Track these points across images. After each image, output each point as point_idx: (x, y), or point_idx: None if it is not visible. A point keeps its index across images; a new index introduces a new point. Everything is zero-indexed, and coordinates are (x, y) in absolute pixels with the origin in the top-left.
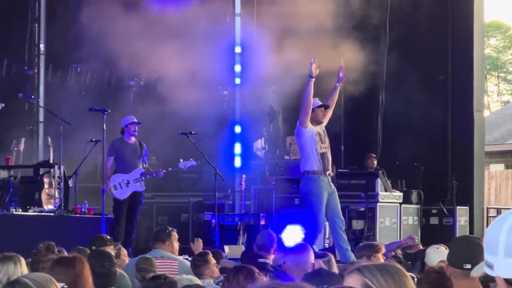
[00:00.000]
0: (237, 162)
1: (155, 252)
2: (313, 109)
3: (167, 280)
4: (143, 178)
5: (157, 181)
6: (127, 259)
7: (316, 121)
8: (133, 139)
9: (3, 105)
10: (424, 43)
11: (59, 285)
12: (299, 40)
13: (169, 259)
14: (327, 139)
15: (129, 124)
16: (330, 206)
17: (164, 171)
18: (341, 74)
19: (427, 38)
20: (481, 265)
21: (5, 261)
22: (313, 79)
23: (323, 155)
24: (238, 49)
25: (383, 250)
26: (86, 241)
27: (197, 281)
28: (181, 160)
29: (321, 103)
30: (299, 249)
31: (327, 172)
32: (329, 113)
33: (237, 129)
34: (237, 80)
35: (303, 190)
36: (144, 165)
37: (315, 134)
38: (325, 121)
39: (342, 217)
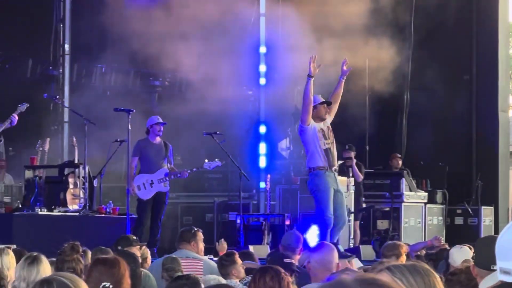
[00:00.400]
0: (262, 162)
1: (180, 252)
2: (315, 106)
3: (189, 280)
4: (167, 178)
5: (182, 182)
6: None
7: (319, 118)
8: (158, 139)
9: (27, 105)
10: (448, 42)
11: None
12: (324, 40)
13: (194, 259)
14: (331, 135)
15: (154, 124)
16: (334, 203)
17: (188, 171)
18: (345, 68)
19: (452, 38)
20: (494, 275)
21: (29, 260)
22: (312, 78)
23: (327, 151)
24: (263, 49)
25: (406, 250)
26: (111, 241)
27: (223, 281)
28: (206, 160)
29: (323, 100)
30: (324, 248)
31: (333, 168)
32: (335, 108)
33: (262, 129)
34: (262, 81)
35: (310, 187)
36: (169, 165)
37: (318, 131)
38: (330, 117)
39: (344, 216)
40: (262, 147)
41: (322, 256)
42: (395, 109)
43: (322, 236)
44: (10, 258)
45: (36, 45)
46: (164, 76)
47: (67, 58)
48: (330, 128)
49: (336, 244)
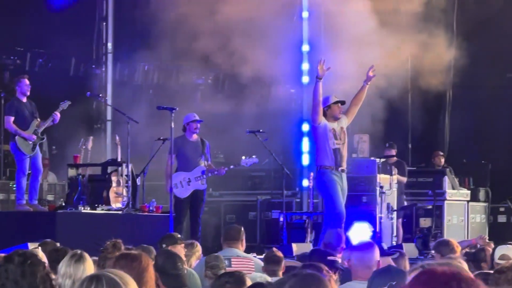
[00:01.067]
0: (305, 160)
1: (230, 251)
2: (329, 106)
3: (232, 278)
4: (204, 176)
5: (225, 180)
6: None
7: (332, 117)
8: (194, 136)
9: (69, 102)
10: (493, 39)
11: None
12: (366, 37)
13: (245, 258)
14: (343, 136)
15: (190, 122)
16: None
17: (226, 168)
18: (370, 74)
19: (496, 35)
20: None
21: (76, 258)
22: (321, 80)
23: (336, 151)
24: (305, 48)
25: (459, 248)
26: (154, 239)
27: (269, 279)
28: (243, 157)
29: (338, 99)
30: (364, 246)
31: (340, 168)
32: (354, 110)
33: (305, 127)
34: (305, 79)
35: (317, 185)
36: (206, 162)
37: (329, 130)
38: (348, 119)
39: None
40: (305, 145)
41: (363, 254)
42: (438, 106)
43: (338, 233)
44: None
45: (79, 43)
46: (207, 74)
47: (109, 56)
48: (344, 129)
49: (379, 242)
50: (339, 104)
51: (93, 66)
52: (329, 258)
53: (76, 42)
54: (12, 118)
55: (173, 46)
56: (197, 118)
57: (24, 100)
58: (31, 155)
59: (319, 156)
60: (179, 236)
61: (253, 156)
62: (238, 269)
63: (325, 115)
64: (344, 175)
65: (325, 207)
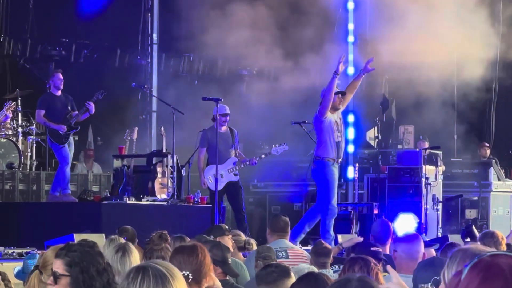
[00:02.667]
0: (350, 148)
1: (282, 243)
2: None
3: (278, 268)
4: (236, 167)
5: (271, 171)
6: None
7: (333, 108)
8: (224, 128)
9: (105, 93)
10: None
11: (185, 273)
12: (410, 29)
13: (299, 249)
14: (342, 127)
15: (221, 114)
16: None
17: (257, 158)
18: (368, 66)
19: None
20: None
21: (118, 253)
22: (338, 76)
23: (338, 144)
24: (351, 38)
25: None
26: (199, 230)
27: (316, 270)
28: (274, 145)
29: (338, 90)
30: (410, 238)
31: (339, 160)
32: (348, 98)
33: (350, 118)
34: (350, 70)
35: (317, 174)
36: (236, 152)
37: (333, 123)
38: (342, 107)
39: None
40: (350, 133)
41: (409, 246)
42: (483, 98)
43: (326, 225)
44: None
45: (124, 34)
46: (252, 65)
47: (155, 47)
48: (342, 119)
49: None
50: (340, 95)
51: (138, 57)
52: (373, 249)
53: (122, 33)
54: (43, 112)
55: (218, 36)
56: (228, 112)
57: (58, 94)
58: (65, 145)
59: (324, 148)
60: (226, 227)
61: (284, 144)
62: (295, 260)
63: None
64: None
65: (318, 198)
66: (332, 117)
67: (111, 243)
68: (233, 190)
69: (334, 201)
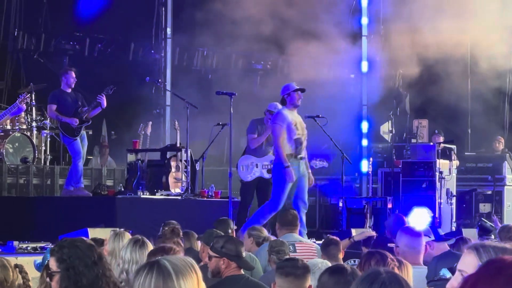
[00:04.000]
0: (364, 142)
1: (292, 237)
2: (289, 93)
3: (302, 263)
4: (270, 166)
5: None
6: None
7: (292, 105)
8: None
9: (114, 88)
10: None
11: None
12: (425, 22)
13: (307, 243)
14: (303, 124)
15: (268, 111)
16: (298, 189)
17: None
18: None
19: None
20: None
21: (136, 244)
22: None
23: (297, 141)
24: (365, 32)
25: None
26: (213, 225)
27: (330, 264)
28: (314, 159)
29: (298, 87)
30: (410, 232)
31: (299, 156)
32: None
33: (364, 112)
34: (364, 65)
35: (276, 173)
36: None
37: (292, 123)
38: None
39: (306, 202)
40: (364, 126)
41: (411, 239)
42: (497, 91)
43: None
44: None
45: (138, 28)
46: (266, 59)
47: (168, 41)
48: (300, 117)
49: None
50: (299, 92)
51: (152, 51)
52: (390, 245)
53: (135, 27)
54: (54, 106)
55: (232, 31)
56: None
57: (69, 91)
58: (77, 139)
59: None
60: (231, 221)
61: (324, 161)
62: (303, 254)
63: (284, 102)
64: (303, 162)
65: (273, 193)
66: (290, 114)
67: (116, 237)
68: (263, 185)
69: (282, 203)
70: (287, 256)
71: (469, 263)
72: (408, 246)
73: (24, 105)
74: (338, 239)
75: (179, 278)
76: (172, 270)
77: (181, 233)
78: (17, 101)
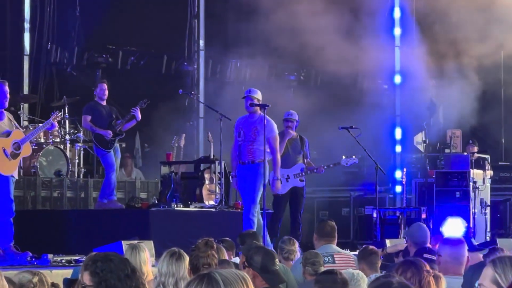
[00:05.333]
0: (398, 148)
1: (330, 248)
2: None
3: (341, 277)
4: (303, 173)
5: (318, 176)
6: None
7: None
8: (293, 133)
9: (148, 101)
10: None
11: None
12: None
13: (346, 254)
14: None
15: (286, 119)
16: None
17: (325, 167)
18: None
19: None
20: None
21: (176, 256)
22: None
23: (240, 147)
24: (398, 43)
25: None
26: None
27: (361, 274)
28: (343, 157)
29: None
30: (455, 242)
31: (240, 161)
32: None
33: (397, 120)
34: (397, 78)
35: (253, 177)
36: (306, 160)
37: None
38: None
39: None
40: (398, 133)
41: (454, 250)
42: None
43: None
44: (146, 254)
45: (170, 41)
46: (299, 70)
47: (201, 53)
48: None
49: (470, 237)
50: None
51: (185, 63)
52: (425, 255)
53: (168, 40)
54: (89, 117)
55: (265, 42)
56: (291, 117)
57: (103, 103)
58: (110, 151)
59: (260, 149)
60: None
61: (353, 156)
62: (341, 265)
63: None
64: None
65: (248, 196)
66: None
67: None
68: (296, 195)
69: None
70: (323, 268)
71: (486, 275)
72: (452, 257)
73: (57, 122)
74: (375, 249)
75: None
76: (222, 282)
77: (215, 246)
78: (50, 118)
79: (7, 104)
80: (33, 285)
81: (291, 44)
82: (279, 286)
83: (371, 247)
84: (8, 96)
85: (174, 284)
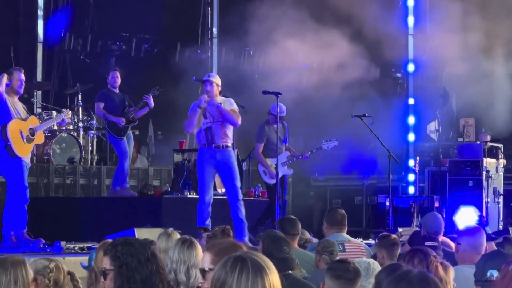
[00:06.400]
0: (411, 136)
1: (340, 236)
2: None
3: (354, 267)
4: (289, 161)
5: (331, 164)
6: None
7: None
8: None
9: (160, 89)
10: None
11: None
12: (472, 22)
13: (356, 243)
14: (216, 114)
15: (273, 115)
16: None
17: (309, 153)
18: None
19: None
20: None
21: (188, 244)
22: (200, 109)
23: (207, 130)
24: (411, 31)
25: None
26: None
27: (376, 264)
28: (324, 141)
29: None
30: (474, 231)
31: (213, 145)
32: None
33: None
34: (410, 67)
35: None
36: (286, 145)
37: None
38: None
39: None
40: (411, 120)
41: (474, 239)
42: None
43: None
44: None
45: (184, 29)
46: (312, 59)
47: (215, 41)
48: (219, 106)
49: (484, 226)
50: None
51: (198, 51)
52: (427, 243)
53: (182, 28)
54: (102, 104)
55: (279, 30)
56: (283, 115)
57: (116, 91)
58: (123, 138)
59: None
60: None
61: (334, 139)
62: (352, 254)
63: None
64: (222, 152)
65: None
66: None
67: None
68: (284, 183)
69: (203, 194)
70: (337, 257)
71: None
72: (471, 246)
73: (68, 119)
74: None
75: (272, 273)
76: (264, 265)
77: (231, 234)
78: (62, 114)
79: (22, 91)
80: (50, 270)
81: (304, 32)
82: (288, 272)
83: (393, 236)
84: (24, 84)
85: (186, 272)
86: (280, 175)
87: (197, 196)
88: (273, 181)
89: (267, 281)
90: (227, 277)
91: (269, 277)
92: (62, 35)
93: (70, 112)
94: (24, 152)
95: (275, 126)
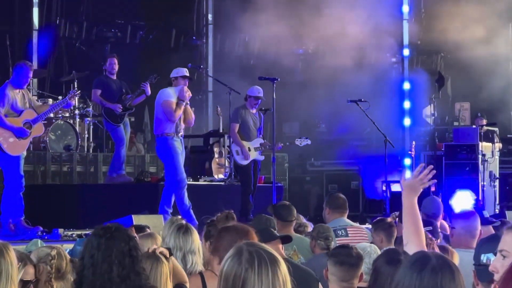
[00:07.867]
0: (407, 121)
1: (342, 221)
2: (176, 78)
3: (356, 252)
4: (262, 148)
5: (327, 149)
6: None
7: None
8: (254, 110)
9: (158, 77)
10: None
11: None
12: (468, 7)
13: (358, 227)
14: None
15: (253, 96)
16: None
17: (281, 144)
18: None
19: None
20: None
21: (180, 231)
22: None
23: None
24: (406, 16)
25: None
26: (256, 210)
27: (378, 250)
28: (297, 139)
29: (187, 74)
30: (468, 215)
31: (180, 134)
32: None
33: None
34: (406, 51)
35: (160, 151)
36: (261, 135)
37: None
38: None
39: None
40: (407, 104)
41: (468, 223)
42: None
43: (180, 197)
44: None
45: (179, 15)
46: (307, 45)
47: (210, 27)
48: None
49: (481, 210)
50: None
51: (194, 37)
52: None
53: (177, 14)
54: (99, 91)
55: (274, 16)
56: (261, 95)
57: (113, 77)
58: (120, 125)
59: (160, 125)
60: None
61: (307, 138)
62: (355, 239)
63: (171, 84)
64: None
65: (166, 173)
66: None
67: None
68: (255, 169)
69: (181, 172)
70: (333, 242)
71: (506, 241)
72: (465, 229)
73: (73, 101)
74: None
75: (283, 264)
76: (277, 256)
77: (235, 218)
78: (67, 96)
79: (25, 86)
80: (51, 258)
81: (300, 17)
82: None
83: (389, 219)
84: (29, 80)
85: (182, 258)
86: (250, 159)
87: (194, 182)
88: (245, 162)
89: (283, 270)
90: (248, 274)
91: (282, 266)
92: (57, 22)
93: (78, 92)
94: (19, 150)
95: (251, 110)
